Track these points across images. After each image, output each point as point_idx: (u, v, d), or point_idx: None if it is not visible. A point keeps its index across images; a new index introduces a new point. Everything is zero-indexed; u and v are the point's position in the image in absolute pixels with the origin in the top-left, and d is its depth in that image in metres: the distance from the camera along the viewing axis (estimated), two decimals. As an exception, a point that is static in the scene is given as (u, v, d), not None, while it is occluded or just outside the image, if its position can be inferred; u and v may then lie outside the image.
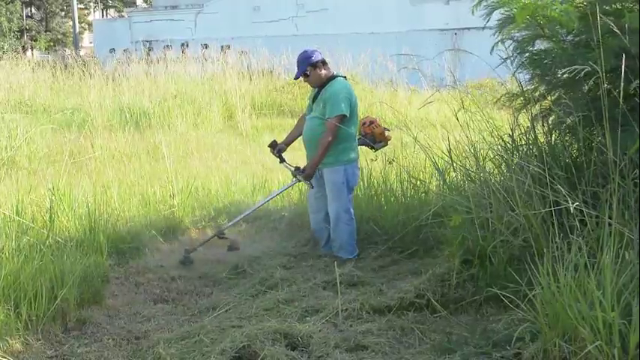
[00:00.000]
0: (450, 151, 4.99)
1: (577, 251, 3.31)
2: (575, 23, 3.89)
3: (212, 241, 5.82)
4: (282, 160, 5.72)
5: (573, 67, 3.65)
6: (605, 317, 2.99)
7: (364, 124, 5.77)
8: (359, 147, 5.67)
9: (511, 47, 4.51)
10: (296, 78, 5.65)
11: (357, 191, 6.22)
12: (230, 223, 5.99)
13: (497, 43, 4.53)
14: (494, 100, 5.16)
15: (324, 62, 5.48)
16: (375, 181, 6.26)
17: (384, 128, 5.77)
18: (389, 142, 5.80)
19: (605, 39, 3.63)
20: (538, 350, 3.27)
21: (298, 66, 5.51)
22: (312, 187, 5.53)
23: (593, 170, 3.85)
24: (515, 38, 4.51)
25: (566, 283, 3.20)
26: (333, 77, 5.48)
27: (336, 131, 5.27)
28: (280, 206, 6.84)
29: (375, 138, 5.72)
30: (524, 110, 4.61)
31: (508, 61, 4.54)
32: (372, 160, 6.19)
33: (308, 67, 5.44)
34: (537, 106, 4.64)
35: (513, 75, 4.60)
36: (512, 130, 4.58)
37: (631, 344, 2.95)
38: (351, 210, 5.49)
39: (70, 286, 4.19)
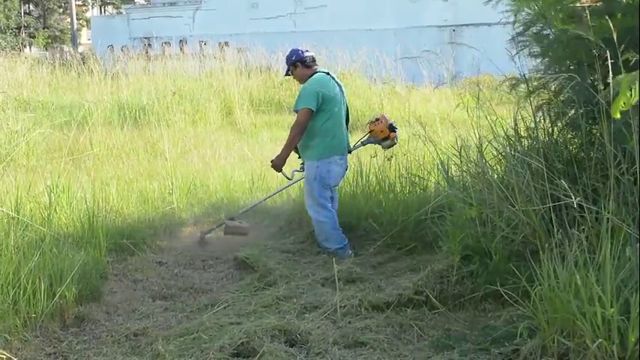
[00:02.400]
0: (460, 148, 4.97)
1: (576, 247, 3.31)
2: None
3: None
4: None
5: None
6: (604, 313, 2.99)
7: (371, 121, 5.91)
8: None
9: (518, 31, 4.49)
10: (285, 75, 5.91)
11: (356, 188, 6.23)
12: (242, 211, 6.35)
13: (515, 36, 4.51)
14: (499, 84, 5.11)
15: (303, 61, 5.64)
16: (374, 178, 6.26)
17: (390, 125, 5.79)
18: (395, 141, 5.84)
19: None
20: (537, 346, 3.27)
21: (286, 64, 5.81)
22: (289, 179, 5.93)
23: (593, 165, 3.84)
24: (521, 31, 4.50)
25: (565, 280, 3.20)
26: (314, 74, 5.62)
27: (303, 124, 5.42)
28: (279, 203, 6.83)
29: (377, 136, 5.81)
30: (527, 101, 4.58)
31: (510, 55, 4.53)
32: (372, 156, 6.22)
33: (290, 66, 5.71)
34: (538, 99, 4.61)
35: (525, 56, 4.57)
36: (515, 123, 4.56)
37: (630, 341, 2.95)
38: (326, 204, 5.52)
39: (69, 283, 4.18)
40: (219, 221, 6.39)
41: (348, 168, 5.81)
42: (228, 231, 6.10)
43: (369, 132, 5.86)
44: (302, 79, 5.66)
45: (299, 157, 5.81)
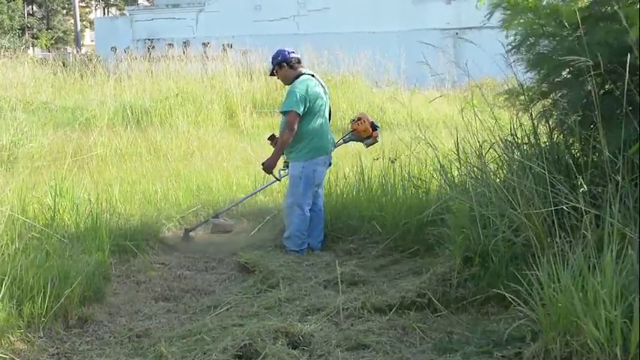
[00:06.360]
0: (457, 150, 4.98)
1: (579, 250, 3.31)
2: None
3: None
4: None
5: (573, 58, 3.64)
6: (608, 316, 2.99)
7: (353, 120, 6.02)
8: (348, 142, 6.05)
9: (514, 43, 4.51)
10: (270, 75, 6.01)
11: (359, 190, 6.24)
12: (226, 208, 6.60)
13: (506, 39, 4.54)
14: (495, 95, 5.15)
15: (288, 62, 5.76)
16: (377, 180, 6.27)
17: (371, 124, 5.89)
18: (377, 139, 5.94)
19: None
20: (539, 349, 3.27)
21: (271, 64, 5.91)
22: (279, 180, 6.03)
23: (592, 170, 3.85)
24: (516, 38, 4.51)
25: (567, 282, 3.20)
26: (299, 75, 5.72)
27: (293, 128, 5.53)
28: (281, 203, 6.83)
29: (360, 134, 5.92)
30: (527, 108, 4.60)
31: (511, 60, 4.55)
32: (375, 159, 6.26)
33: (275, 66, 5.81)
34: (539, 105, 4.63)
35: (523, 71, 4.59)
36: (513, 128, 4.58)
37: (632, 343, 2.95)
38: (305, 207, 5.63)
39: (72, 284, 4.19)
40: (205, 218, 6.55)
41: (352, 169, 5.87)
42: (214, 230, 6.37)
43: (352, 130, 5.97)
44: (286, 80, 5.82)
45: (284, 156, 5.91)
